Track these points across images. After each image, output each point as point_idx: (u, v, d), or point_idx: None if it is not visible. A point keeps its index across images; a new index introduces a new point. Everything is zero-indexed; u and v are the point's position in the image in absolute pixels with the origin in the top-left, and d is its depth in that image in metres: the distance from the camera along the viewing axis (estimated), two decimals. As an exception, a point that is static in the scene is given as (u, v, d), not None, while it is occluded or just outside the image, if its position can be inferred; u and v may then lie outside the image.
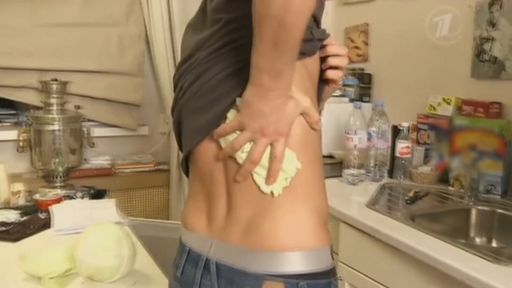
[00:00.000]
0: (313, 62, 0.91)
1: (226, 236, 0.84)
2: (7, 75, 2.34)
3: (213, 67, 0.84)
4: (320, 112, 0.95)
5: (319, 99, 0.97)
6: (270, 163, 0.81)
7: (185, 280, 0.90)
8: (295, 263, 0.80)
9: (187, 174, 0.98)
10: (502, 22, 1.81)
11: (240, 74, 0.82)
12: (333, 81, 0.97)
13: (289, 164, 0.82)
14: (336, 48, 0.96)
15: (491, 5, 1.85)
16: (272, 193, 0.81)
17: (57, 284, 1.29)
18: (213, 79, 0.84)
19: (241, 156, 0.82)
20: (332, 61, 0.95)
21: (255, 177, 0.82)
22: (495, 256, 1.23)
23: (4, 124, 2.51)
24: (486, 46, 1.89)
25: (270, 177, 0.81)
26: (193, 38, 0.92)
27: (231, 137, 0.82)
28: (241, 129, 0.81)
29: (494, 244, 1.61)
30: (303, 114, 0.84)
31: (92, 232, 1.35)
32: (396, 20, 2.36)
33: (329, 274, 0.83)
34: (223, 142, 0.84)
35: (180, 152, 2.61)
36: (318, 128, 0.87)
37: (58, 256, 1.35)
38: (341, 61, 0.96)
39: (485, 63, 1.90)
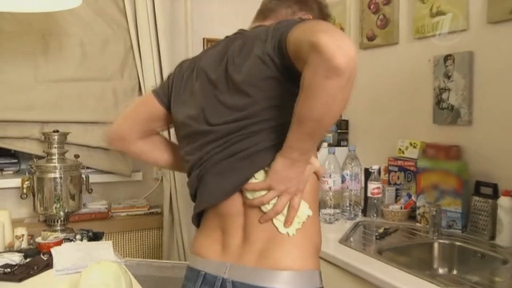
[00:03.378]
0: None
1: (242, 261, 1.08)
2: (10, 127, 2.51)
3: (245, 140, 1.07)
4: None
5: None
6: (289, 211, 1.06)
7: None
8: (300, 280, 1.05)
9: (198, 225, 1.22)
10: (455, 74, 2.04)
11: (270, 149, 1.05)
12: None
13: (303, 212, 1.07)
14: None
15: (445, 59, 2.08)
16: (287, 233, 1.06)
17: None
18: (246, 151, 1.07)
19: (266, 207, 1.07)
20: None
21: (275, 221, 1.07)
22: (449, 284, 1.40)
23: (6, 172, 2.68)
24: (444, 96, 2.11)
25: (287, 222, 1.06)
26: (208, 98, 1.13)
27: (258, 193, 1.07)
28: (269, 189, 1.05)
29: (454, 273, 1.78)
30: (314, 172, 1.10)
31: (93, 269, 1.48)
32: (369, 70, 2.58)
33: None
34: (249, 195, 1.08)
35: (171, 196, 2.74)
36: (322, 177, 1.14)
37: (63, 292, 1.50)
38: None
39: (444, 110, 2.12)
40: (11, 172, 2.70)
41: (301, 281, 1.05)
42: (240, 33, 1.19)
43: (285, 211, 1.06)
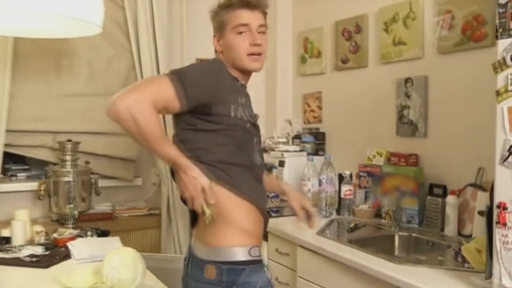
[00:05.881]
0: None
1: (196, 239, 1.63)
2: (26, 136, 2.82)
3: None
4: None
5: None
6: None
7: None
8: (222, 255, 1.52)
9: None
10: (414, 95, 2.44)
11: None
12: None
13: (206, 211, 1.48)
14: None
15: (406, 82, 2.48)
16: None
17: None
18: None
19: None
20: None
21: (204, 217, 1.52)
22: (406, 262, 1.77)
23: (20, 177, 2.97)
24: (405, 112, 2.49)
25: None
26: None
27: None
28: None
29: (411, 257, 2.14)
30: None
31: (115, 253, 1.80)
32: (342, 89, 2.97)
33: (245, 264, 1.53)
34: None
35: (169, 199, 3.04)
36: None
37: (88, 273, 1.81)
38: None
39: (405, 124, 2.50)
40: (24, 177, 2.99)
41: (220, 253, 1.52)
42: None
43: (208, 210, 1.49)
